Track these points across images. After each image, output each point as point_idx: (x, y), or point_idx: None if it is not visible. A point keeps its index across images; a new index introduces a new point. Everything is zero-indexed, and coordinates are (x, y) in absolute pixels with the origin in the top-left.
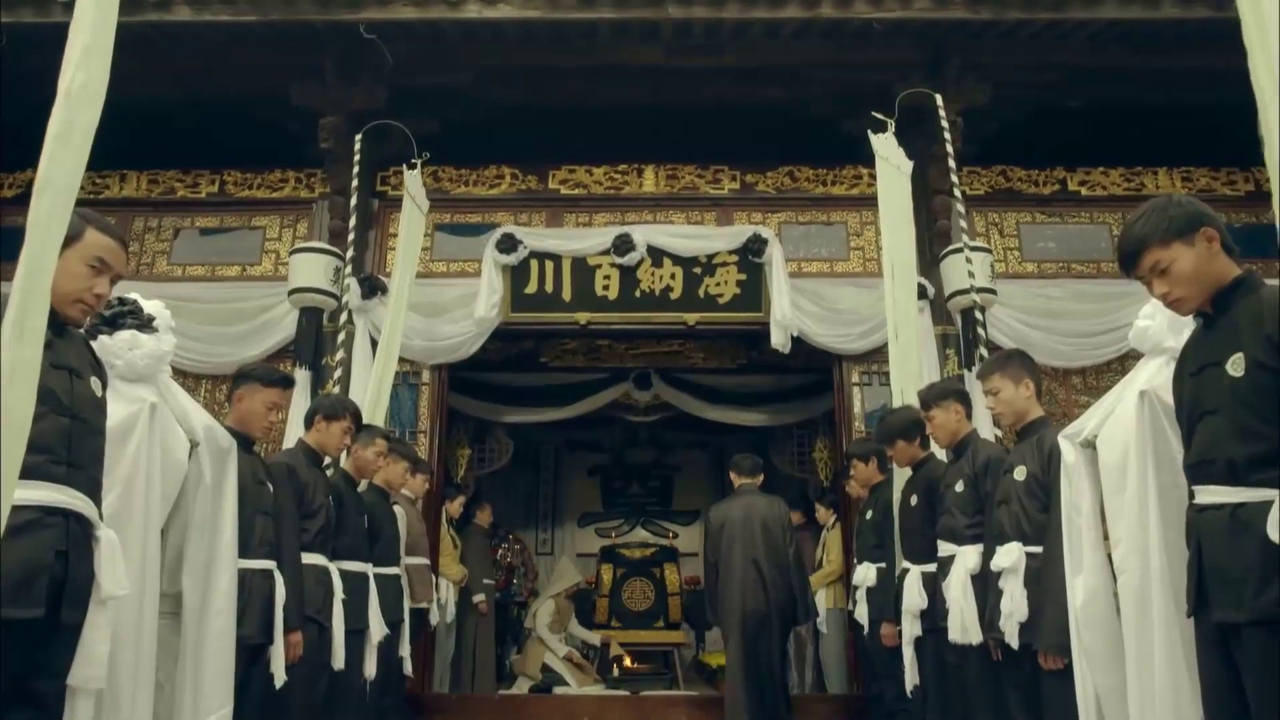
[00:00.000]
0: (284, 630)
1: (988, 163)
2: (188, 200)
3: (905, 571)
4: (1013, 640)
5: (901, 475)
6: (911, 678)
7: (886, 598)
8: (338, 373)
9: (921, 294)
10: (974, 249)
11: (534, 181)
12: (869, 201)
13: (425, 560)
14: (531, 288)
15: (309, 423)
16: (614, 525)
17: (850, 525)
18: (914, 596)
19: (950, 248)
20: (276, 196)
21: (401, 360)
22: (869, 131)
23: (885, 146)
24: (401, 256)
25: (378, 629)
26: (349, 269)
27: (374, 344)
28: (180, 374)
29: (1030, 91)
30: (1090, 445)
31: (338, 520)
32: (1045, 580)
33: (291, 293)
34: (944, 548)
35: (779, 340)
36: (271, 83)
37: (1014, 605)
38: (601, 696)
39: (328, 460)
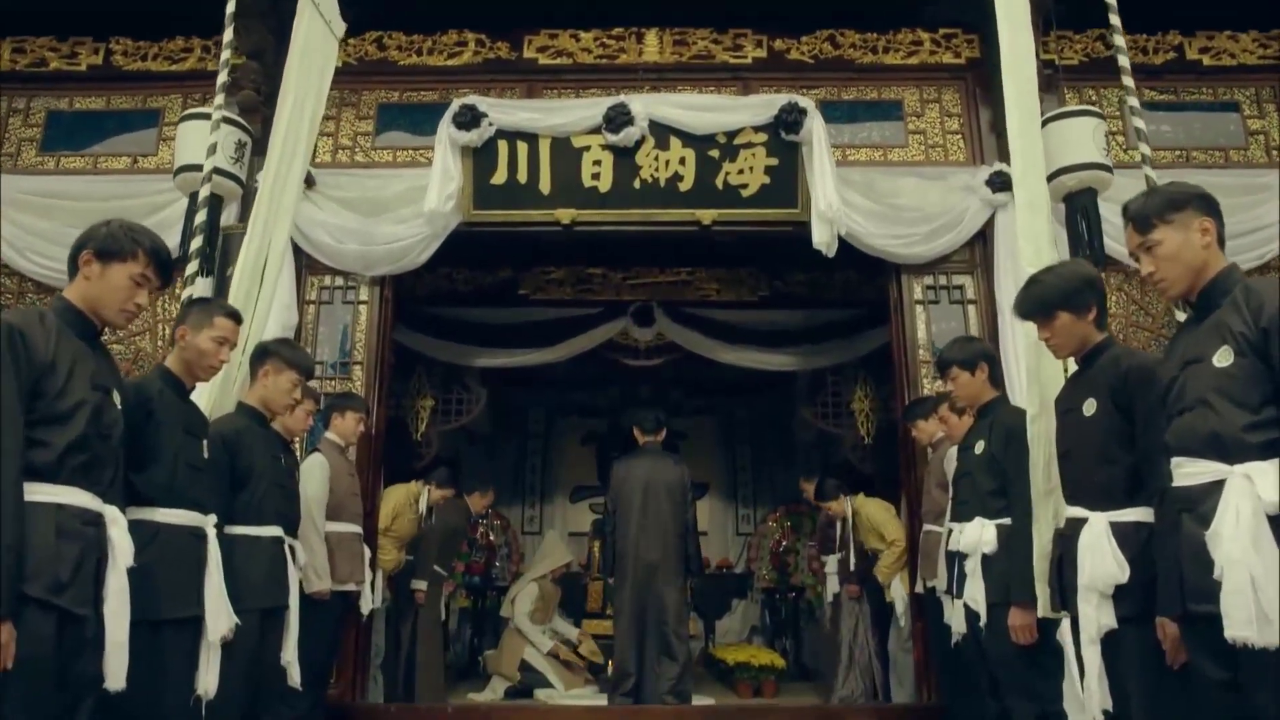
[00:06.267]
0: None
1: (1082, 26)
2: (64, 74)
3: (1080, 523)
4: None
5: (1047, 381)
6: (1101, 698)
7: (1010, 569)
8: (188, 256)
9: (1003, 185)
10: (1090, 113)
11: (505, 49)
12: (931, 73)
13: (356, 528)
14: (500, 177)
15: (72, 265)
16: None
17: (914, 485)
18: (1104, 562)
19: (1057, 111)
20: (178, 69)
21: (334, 272)
22: None
23: None
24: (294, 75)
25: (221, 620)
26: (217, 107)
27: (296, 251)
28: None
29: None
30: None
31: (139, 441)
32: None
33: (178, 172)
34: (1191, 469)
35: (822, 238)
36: None
37: None
38: (592, 706)
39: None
